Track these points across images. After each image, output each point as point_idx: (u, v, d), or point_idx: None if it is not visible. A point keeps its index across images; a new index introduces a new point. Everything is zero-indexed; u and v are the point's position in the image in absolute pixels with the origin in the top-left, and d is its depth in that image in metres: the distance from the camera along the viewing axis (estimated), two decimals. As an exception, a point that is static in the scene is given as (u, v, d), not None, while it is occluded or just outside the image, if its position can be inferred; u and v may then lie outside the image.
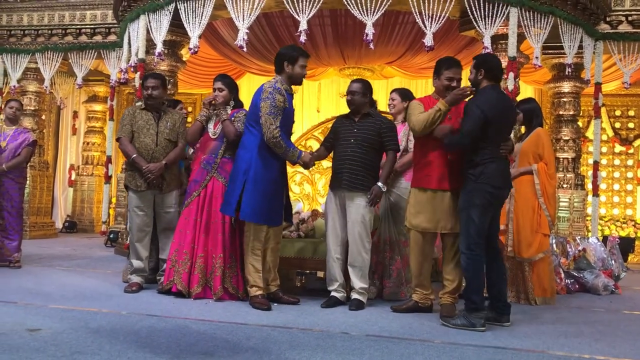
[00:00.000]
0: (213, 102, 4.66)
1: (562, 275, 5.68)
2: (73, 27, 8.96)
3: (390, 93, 5.20)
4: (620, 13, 7.44)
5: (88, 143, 11.22)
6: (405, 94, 5.07)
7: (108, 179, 8.67)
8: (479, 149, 3.91)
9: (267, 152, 4.26)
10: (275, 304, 4.34)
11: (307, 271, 5.41)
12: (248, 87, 11.07)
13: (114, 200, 9.80)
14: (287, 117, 4.33)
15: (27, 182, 6.89)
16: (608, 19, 7.42)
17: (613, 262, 6.05)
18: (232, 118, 4.60)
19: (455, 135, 4.02)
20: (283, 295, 4.49)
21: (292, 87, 4.43)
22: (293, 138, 4.94)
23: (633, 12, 7.43)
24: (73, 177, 11.42)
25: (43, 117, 10.42)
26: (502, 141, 4.01)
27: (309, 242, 4.98)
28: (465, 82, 4.40)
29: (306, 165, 4.53)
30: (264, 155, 4.26)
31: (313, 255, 4.88)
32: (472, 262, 3.89)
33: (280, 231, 4.59)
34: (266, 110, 4.19)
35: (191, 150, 5.16)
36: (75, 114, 11.86)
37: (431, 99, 4.27)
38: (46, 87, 9.16)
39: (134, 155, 4.75)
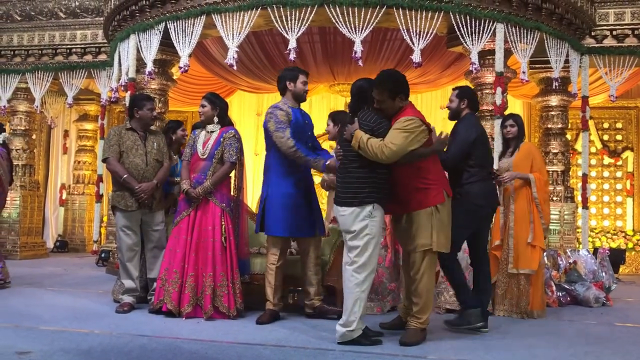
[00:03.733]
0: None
1: (554, 287, 5.70)
2: (63, 46, 8.96)
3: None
4: (605, 28, 7.54)
5: (79, 162, 11.18)
6: (339, 118, 4.83)
7: (99, 197, 8.63)
8: (465, 170, 4.22)
9: (279, 168, 4.42)
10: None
11: (300, 288, 5.39)
12: (239, 104, 11.12)
13: (105, 219, 9.75)
14: (295, 129, 4.40)
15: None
16: (593, 34, 7.52)
17: (604, 274, 6.08)
18: (222, 138, 4.62)
19: (443, 157, 4.15)
20: (329, 307, 4.55)
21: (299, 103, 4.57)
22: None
23: (617, 27, 7.54)
24: (64, 197, 11.36)
25: (34, 136, 10.40)
26: (488, 163, 4.33)
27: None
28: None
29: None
30: (276, 171, 4.44)
31: None
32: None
33: (316, 244, 4.59)
34: (273, 127, 4.36)
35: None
36: (66, 133, 11.83)
37: None
38: (37, 107, 9.14)
39: (125, 176, 4.74)
